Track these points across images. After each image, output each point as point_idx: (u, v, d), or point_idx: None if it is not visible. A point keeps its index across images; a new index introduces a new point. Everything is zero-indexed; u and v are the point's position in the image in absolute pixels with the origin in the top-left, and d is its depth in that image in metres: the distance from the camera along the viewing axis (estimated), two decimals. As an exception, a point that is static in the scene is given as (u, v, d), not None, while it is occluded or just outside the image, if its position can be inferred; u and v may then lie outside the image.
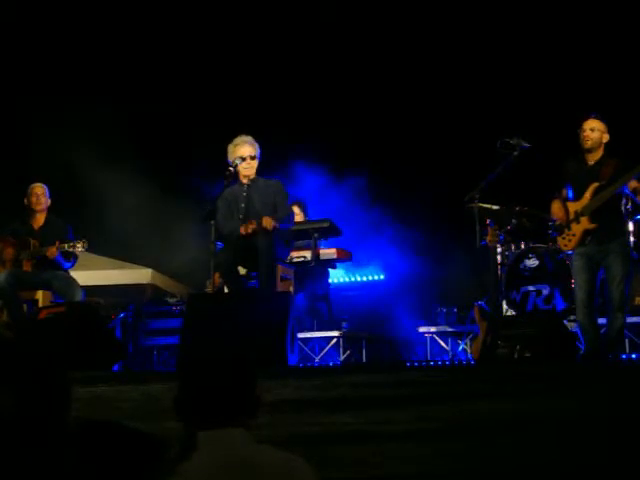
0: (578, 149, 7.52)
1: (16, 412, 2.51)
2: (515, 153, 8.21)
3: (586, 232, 7.30)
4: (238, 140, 8.21)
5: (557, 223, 7.56)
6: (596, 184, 7.30)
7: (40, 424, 2.54)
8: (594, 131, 7.37)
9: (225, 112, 12.38)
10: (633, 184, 7.23)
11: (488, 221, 8.93)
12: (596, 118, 7.42)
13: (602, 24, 11.18)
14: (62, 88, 12.62)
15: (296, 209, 10.28)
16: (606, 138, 7.40)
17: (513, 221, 9.30)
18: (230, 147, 8.24)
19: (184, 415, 2.80)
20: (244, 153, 8.15)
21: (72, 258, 8.87)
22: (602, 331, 7.39)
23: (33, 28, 12.88)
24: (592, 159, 7.42)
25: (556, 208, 7.54)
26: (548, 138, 9.02)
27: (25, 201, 9.11)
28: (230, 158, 8.17)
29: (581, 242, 7.33)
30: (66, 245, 8.65)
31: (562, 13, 11.49)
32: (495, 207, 9.10)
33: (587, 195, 7.33)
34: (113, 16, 12.94)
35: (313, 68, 12.48)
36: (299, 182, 11.10)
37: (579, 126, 7.45)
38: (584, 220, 7.31)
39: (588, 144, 7.35)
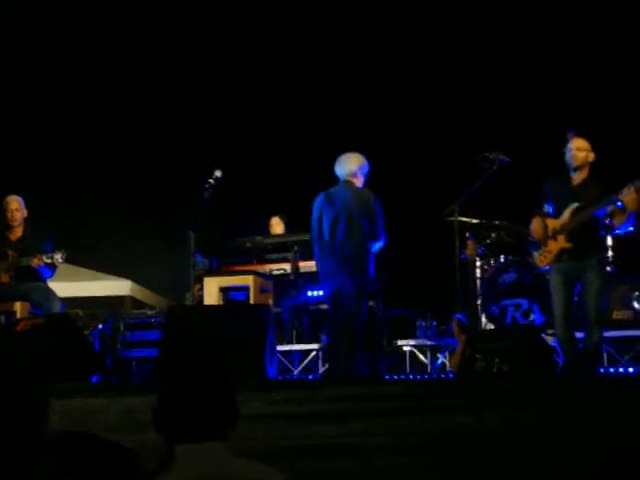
0: (561, 166, 7.53)
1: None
2: (494, 167, 8.25)
3: (562, 250, 7.33)
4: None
5: (534, 238, 7.59)
6: (576, 204, 7.31)
7: (17, 436, 2.52)
8: (581, 150, 7.38)
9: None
10: (612, 208, 7.25)
11: (467, 234, 8.98)
12: (581, 137, 7.44)
13: (583, 40, 11.25)
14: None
15: (277, 219, 10.30)
16: (592, 157, 7.41)
17: (492, 235, 9.35)
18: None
19: (163, 427, 2.79)
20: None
21: (52, 268, 8.83)
22: (580, 345, 7.41)
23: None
24: (578, 179, 7.41)
25: (536, 226, 7.55)
26: (527, 152, 9.08)
27: (2, 212, 9.05)
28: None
29: (557, 259, 7.36)
30: (44, 257, 8.60)
31: (542, 30, 11.57)
32: (474, 221, 9.15)
33: (566, 214, 7.32)
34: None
35: (281, 94, 12.58)
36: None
37: (564, 145, 7.46)
38: (561, 238, 7.33)
39: (577, 163, 7.36)
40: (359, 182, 7.99)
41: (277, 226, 10.28)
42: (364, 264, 7.74)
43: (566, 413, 5.14)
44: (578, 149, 7.39)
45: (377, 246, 7.85)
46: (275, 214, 10.37)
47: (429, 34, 12.18)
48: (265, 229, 10.27)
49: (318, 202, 7.99)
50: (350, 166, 7.97)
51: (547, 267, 7.51)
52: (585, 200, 7.30)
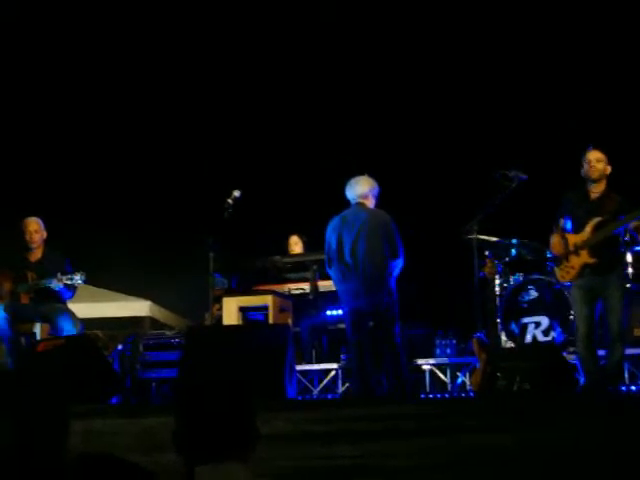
0: (578, 181, 7.51)
1: (15, 445, 2.50)
2: (513, 185, 8.23)
3: (585, 265, 7.29)
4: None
5: (554, 254, 7.55)
6: (598, 219, 7.28)
7: (38, 457, 2.52)
8: (600, 162, 7.38)
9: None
10: (635, 223, 7.23)
11: (486, 253, 8.95)
12: (598, 150, 7.44)
13: (599, 58, 11.24)
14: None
15: (295, 238, 10.28)
16: (608, 169, 7.42)
17: (511, 252, 9.31)
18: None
19: (183, 449, 2.78)
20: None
21: (71, 289, 8.85)
22: (601, 363, 7.37)
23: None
24: (595, 191, 7.41)
25: (555, 242, 7.53)
26: (545, 170, 9.06)
27: (21, 234, 9.09)
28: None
29: (579, 274, 7.32)
30: (64, 278, 8.63)
31: (558, 47, 11.56)
32: (493, 239, 9.12)
33: (588, 229, 7.30)
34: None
35: (295, 105, 12.60)
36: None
37: (582, 158, 7.45)
38: (584, 254, 7.30)
39: (595, 175, 7.35)
40: (370, 204, 8.08)
41: (295, 245, 10.27)
42: (386, 284, 7.78)
43: (587, 432, 5.09)
44: (597, 160, 7.38)
45: (398, 266, 7.89)
46: (293, 233, 10.36)
47: (448, 52, 12.18)
48: (284, 248, 10.27)
49: (333, 225, 8.07)
50: (361, 188, 8.05)
51: (568, 283, 7.48)
52: (605, 214, 7.28)
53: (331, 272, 8.17)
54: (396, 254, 7.84)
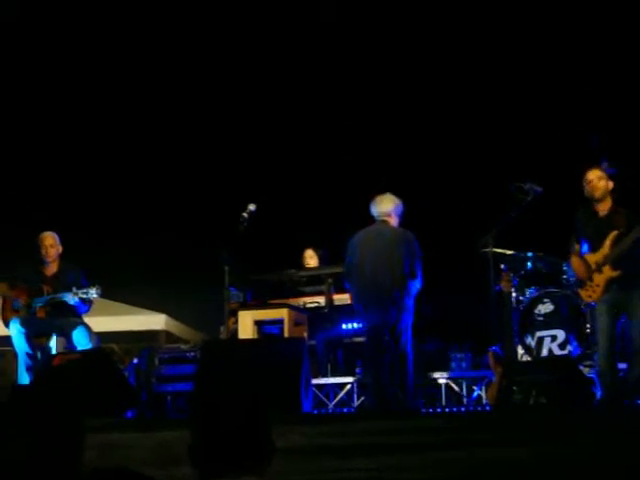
0: (585, 201, 7.53)
1: (30, 458, 2.50)
2: (528, 198, 8.22)
3: (611, 280, 7.27)
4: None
5: (577, 277, 7.54)
6: (616, 232, 7.28)
7: (54, 471, 2.53)
8: (601, 179, 7.38)
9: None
10: None
11: (502, 266, 8.92)
12: (596, 168, 7.44)
13: (614, 70, 11.23)
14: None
15: (310, 252, 10.27)
16: (610, 185, 7.43)
17: (527, 266, 9.28)
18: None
19: (199, 463, 2.78)
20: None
21: (87, 303, 8.88)
22: (619, 375, 7.33)
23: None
24: (603, 209, 7.42)
25: (576, 263, 7.53)
26: (560, 182, 9.03)
27: (37, 248, 9.12)
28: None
29: (606, 290, 7.30)
30: (79, 292, 8.66)
31: (574, 61, 11.55)
32: (509, 252, 9.09)
33: (607, 243, 7.29)
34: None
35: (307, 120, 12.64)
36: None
37: (581, 179, 7.47)
38: (607, 269, 7.28)
39: (598, 194, 7.37)
40: (394, 222, 8.18)
41: (311, 259, 10.26)
42: (401, 300, 7.86)
43: (604, 446, 5.07)
44: (599, 178, 7.38)
45: (416, 287, 7.99)
46: (308, 247, 10.35)
47: (466, 66, 12.20)
48: (299, 262, 10.26)
49: (356, 239, 8.17)
50: (385, 206, 8.16)
51: (594, 303, 7.45)
52: (621, 226, 7.27)
53: (349, 286, 8.29)
54: (414, 275, 7.92)
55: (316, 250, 10.27)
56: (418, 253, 7.97)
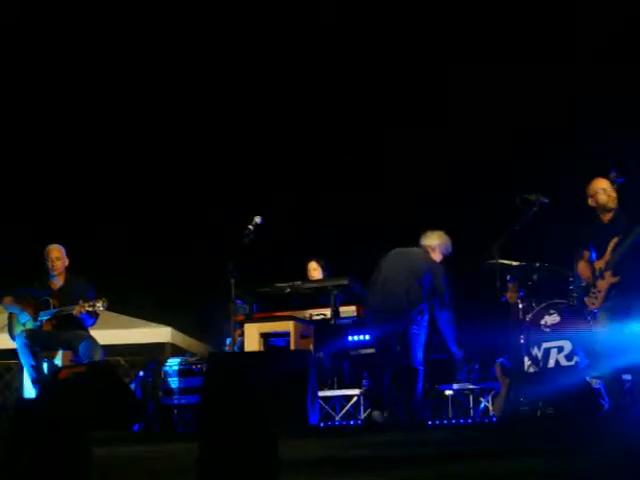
0: (590, 209, 7.56)
1: (37, 471, 2.50)
2: (534, 209, 8.22)
3: (611, 286, 7.30)
4: None
5: (584, 284, 7.56)
6: (616, 239, 7.34)
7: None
8: (612, 189, 7.43)
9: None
10: None
11: (508, 277, 8.92)
12: (602, 178, 7.49)
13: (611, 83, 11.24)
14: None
15: (314, 264, 10.25)
16: (615, 192, 7.48)
17: (533, 277, 9.26)
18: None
19: (206, 475, 2.77)
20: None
21: (93, 316, 8.89)
22: (626, 386, 7.32)
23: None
24: (607, 217, 7.48)
25: (582, 267, 7.58)
26: (564, 193, 9.02)
27: (43, 261, 9.13)
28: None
29: (607, 297, 7.32)
30: (86, 305, 8.67)
31: (572, 73, 11.56)
32: (515, 263, 9.08)
33: (609, 250, 7.35)
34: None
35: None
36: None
37: (587, 190, 7.54)
38: (607, 275, 7.33)
39: (612, 204, 7.43)
40: (435, 256, 8.56)
41: (314, 271, 10.23)
42: (414, 313, 8.21)
43: (612, 457, 5.04)
44: (612, 189, 7.44)
45: (447, 317, 8.39)
46: (311, 259, 10.32)
47: (462, 79, 12.21)
48: (303, 274, 10.24)
49: (388, 254, 8.59)
50: (431, 240, 8.63)
51: (596, 310, 7.47)
52: (620, 234, 7.31)
53: (366, 294, 8.71)
54: (442, 305, 8.34)
55: (319, 262, 10.24)
56: (444, 283, 8.36)
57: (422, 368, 8.22)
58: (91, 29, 12.95)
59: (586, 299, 7.53)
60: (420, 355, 8.21)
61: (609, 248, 7.36)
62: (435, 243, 8.58)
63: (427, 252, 8.54)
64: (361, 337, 10.39)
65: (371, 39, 12.51)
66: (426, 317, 8.28)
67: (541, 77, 11.83)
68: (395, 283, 8.30)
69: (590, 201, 7.55)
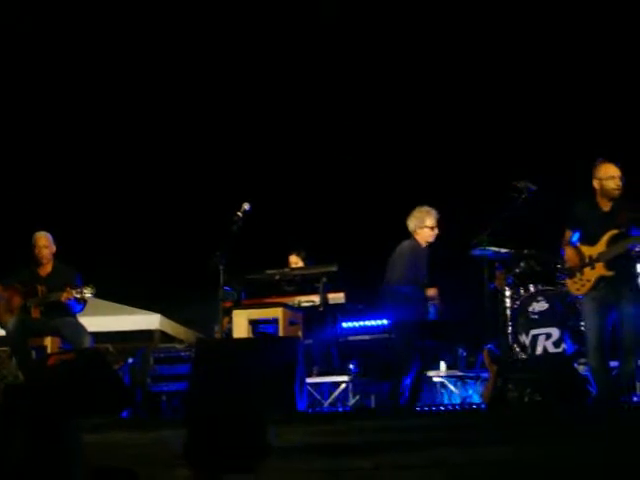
0: (587, 191, 7.40)
1: (25, 458, 2.50)
2: (523, 196, 8.21)
3: (601, 278, 7.20)
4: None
5: (568, 266, 7.44)
6: (614, 231, 7.18)
7: (50, 470, 2.52)
8: (620, 177, 7.22)
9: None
10: None
11: (496, 264, 8.93)
12: (613, 164, 7.30)
13: (608, 69, 11.25)
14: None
15: (294, 257, 10.24)
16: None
17: (521, 264, 9.28)
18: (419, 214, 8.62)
19: (194, 461, 2.78)
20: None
21: (81, 303, 8.88)
22: (613, 374, 7.33)
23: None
24: (607, 205, 7.27)
25: (570, 254, 7.39)
26: (553, 180, 9.04)
27: (31, 249, 9.11)
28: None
29: (594, 287, 7.23)
30: (74, 291, 8.66)
31: (568, 55, 11.56)
32: (504, 250, 9.10)
33: (604, 241, 7.19)
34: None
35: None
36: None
37: (596, 172, 7.28)
38: (599, 266, 7.18)
39: (616, 194, 7.23)
40: (420, 237, 8.59)
41: (296, 265, 10.20)
42: (401, 302, 8.40)
43: (599, 444, 5.07)
44: (620, 177, 7.22)
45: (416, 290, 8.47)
46: (291, 253, 10.29)
47: (459, 64, 12.21)
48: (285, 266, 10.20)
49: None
50: (410, 224, 8.64)
51: (581, 296, 7.41)
52: (621, 226, 7.17)
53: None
54: (417, 281, 8.41)
55: (299, 254, 10.22)
56: (418, 259, 8.45)
57: (405, 352, 8.34)
58: (89, 27, 12.90)
59: (569, 282, 7.44)
60: (402, 338, 8.41)
61: (605, 238, 7.21)
62: (412, 226, 8.57)
63: (414, 239, 8.55)
64: (350, 324, 10.42)
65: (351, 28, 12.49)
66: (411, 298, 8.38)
67: (525, 59, 11.83)
68: (389, 278, 8.53)
69: (595, 183, 7.27)
